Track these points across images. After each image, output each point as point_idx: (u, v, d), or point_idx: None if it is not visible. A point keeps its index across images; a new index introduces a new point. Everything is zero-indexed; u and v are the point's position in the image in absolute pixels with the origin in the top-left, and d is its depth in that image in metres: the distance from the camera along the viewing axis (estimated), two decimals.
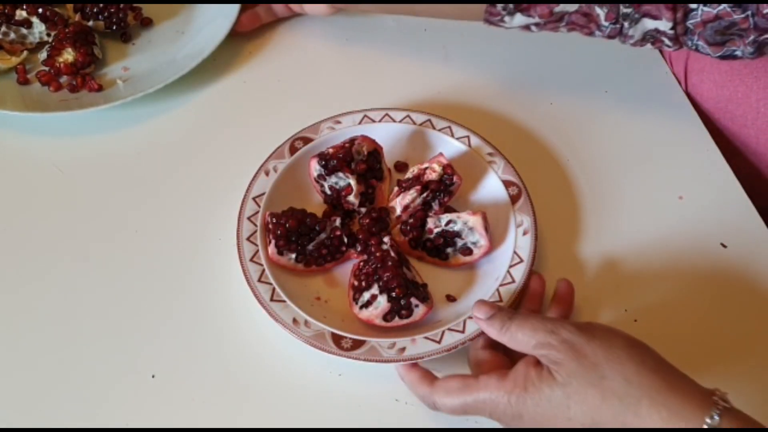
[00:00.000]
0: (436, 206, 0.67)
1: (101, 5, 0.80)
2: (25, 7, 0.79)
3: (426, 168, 0.67)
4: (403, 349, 0.59)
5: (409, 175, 0.69)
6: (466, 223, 0.64)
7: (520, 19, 0.67)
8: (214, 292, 0.66)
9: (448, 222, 0.65)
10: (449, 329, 0.60)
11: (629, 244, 0.69)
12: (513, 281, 0.63)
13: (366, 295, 0.62)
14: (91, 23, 0.81)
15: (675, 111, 0.80)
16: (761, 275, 0.67)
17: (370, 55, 0.84)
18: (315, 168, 0.68)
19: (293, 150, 0.71)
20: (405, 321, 0.61)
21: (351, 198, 0.67)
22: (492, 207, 0.68)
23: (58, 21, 0.80)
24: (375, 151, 0.68)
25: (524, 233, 0.65)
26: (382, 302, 0.60)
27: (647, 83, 0.82)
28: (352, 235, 0.66)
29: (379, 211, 0.68)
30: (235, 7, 0.82)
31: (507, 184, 0.69)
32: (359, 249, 0.66)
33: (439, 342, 0.59)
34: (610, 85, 0.82)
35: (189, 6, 0.87)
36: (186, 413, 0.59)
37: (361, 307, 0.62)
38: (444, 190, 0.67)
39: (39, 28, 0.80)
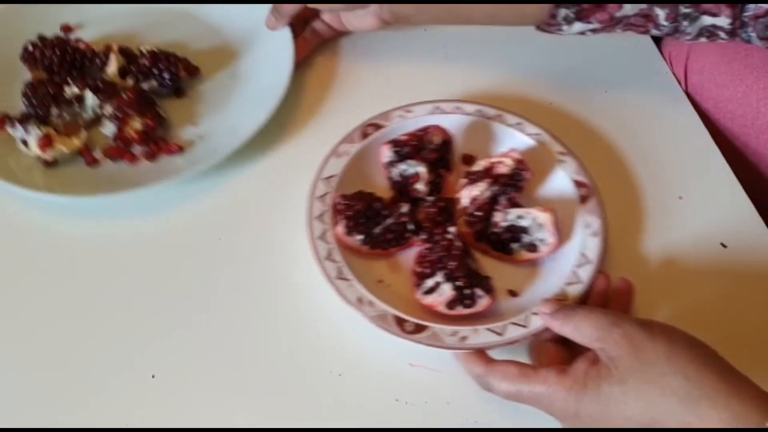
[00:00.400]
0: (503, 201, 0.67)
1: (148, 63, 0.75)
2: (72, 81, 0.73)
3: (497, 161, 0.67)
4: (465, 338, 0.59)
5: (478, 167, 0.69)
6: (536, 219, 0.64)
7: (578, 26, 0.68)
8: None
9: (517, 217, 0.65)
10: (512, 323, 0.60)
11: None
12: (579, 282, 0.62)
13: (429, 282, 0.62)
14: (145, 85, 0.76)
15: (675, 111, 0.80)
16: (761, 275, 0.67)
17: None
18: (386, 154, 0.68)
19: (364, 135, 0.72)
20: (468, 311, 0.61)
21: (419, 186, 0.68)
22: (558, 205, 0.68)
23: (110, 90, 0.73)
24: (447, 142, 0.69)
25: (593, 235, 0.65)
26: (447, 290, 0.60)
27: (647, 83, 0.82)
28: (417, 222, 0.67)
29: (446, 201, 0.68)
30: (288, 37, 0.78)
31: (578, 184, 0.68)
32: (423, 237, 0.66)
33: (501, 335, 0.59)
34: (610, 85, 0.81)
35: (229, 46, 0.83)
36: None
37: (424, 293, 0.62)
38: (513, 185, 0.67)
39: (91, 101, 0.73)
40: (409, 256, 0.67)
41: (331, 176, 0.68)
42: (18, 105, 0.73)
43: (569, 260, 0.64)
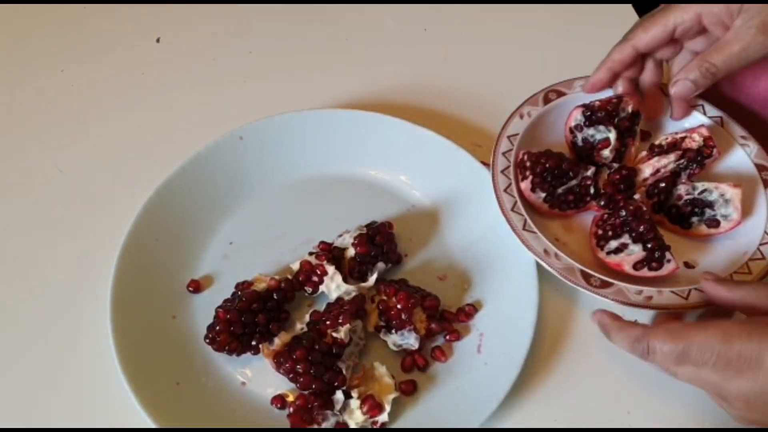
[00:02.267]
0: (684, 176, 0.69)
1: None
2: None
3: (685, 137, 0.69)
4: (650, 297, 0.61)
5: (662, 141, 0.70)
6: (724, 195, 0.65)
7: None
8: None
9: (703, 191, 0.66)
10: (696, 288, 0.61)
11: None
12: (764, 258, 0.63)
13: (614, 243, 0.64)
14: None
15: None
16: None
17: None
18: (576, 117, 0.70)
19: (546, 100, 0.74)
20: (653, 273, 0.62)
21: (606, 152, 0.69)
22: (742, 187, 0.68)
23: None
24: (638, 112, 0.70)
25: None
26: (636, 250, 0.62)
27: None
28: (597, 188, 0.69)
29: (629, 169, 0.69)
30: None
31: (760, 168, 0.69)
32: (602, 203, 0.68)
33: (686, 298, 0.61)
34: None
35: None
36: None
37: (608, 253, 0.64)
38: (699, 161, 0.68)
39: None
40: (583, 219, 0.69)
41: (514, 135, 0.71)
42: None
43: (752, 238, 0.65)
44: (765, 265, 0.63)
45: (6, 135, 0.80)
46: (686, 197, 0.67)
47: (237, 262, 0.67)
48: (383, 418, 0.58)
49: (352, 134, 0.74)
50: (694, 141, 0.68)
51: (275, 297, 0.63)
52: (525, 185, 0.67)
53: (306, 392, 0.59)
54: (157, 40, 0.88)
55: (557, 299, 0.66)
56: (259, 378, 0.62)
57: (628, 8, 0.89)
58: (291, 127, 0.74)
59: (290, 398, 0.60)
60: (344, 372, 0.59)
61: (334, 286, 0.63)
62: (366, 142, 0.74)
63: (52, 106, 0.82)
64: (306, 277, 0.64)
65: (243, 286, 0.64)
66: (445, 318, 0.64)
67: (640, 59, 0.69)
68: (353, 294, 0.63)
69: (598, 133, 0.70)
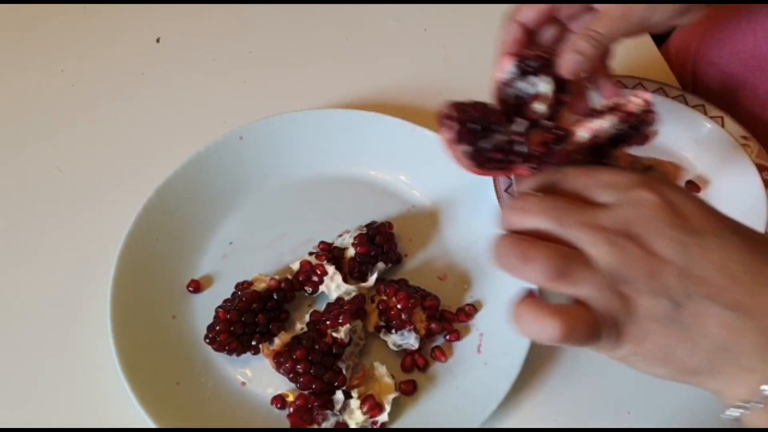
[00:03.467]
0: (627, 147, 0.60)
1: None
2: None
3: (623, 101, 0.60)
4: None
5: (602, 105, 0.61)
6: (667, 173, 0.64)
7: None
8: None
9: (646, 168, 0.64)
10: None
11: None
12: None
13: None
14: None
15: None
16: None
17: None
18: (507, 69, 0.60)
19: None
20: None
21: (539, 105, 0.60)
22: (742, 187, 0.69)
23: None
24: None
25: None
26: None
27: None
28: (528, 147, 0.59)
29: (563, 129, 0.60)
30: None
31: (761, 168, 0.69)
32: (534, 166, 0.58)
33: None
34: None
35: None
36: None
37: None
38: (638, 130, 0.59)
39: None
40: None
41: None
42: None
43: None
44: None
45: (5, 135, 0.80)
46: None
47: (237, 262, 0.67)
48: (383, 418, 0.58)
49: (352, 134, 0.74)
50: (635, 104, 0.59)
51: (275, 297, 0.63)
52: (448, 135, 0.56)
53: (306, 392, 0.59)
54: (157, 40, 0.88)
55: (557, 299, 0.65)
56: (259, 378, 0.62)
57: None
58: (291, 127, 0.73)
59: (290, 398, 0.60)
60: (344, 372, 0.59)
61: (334, 286, 0.63)
62: (366, 142, 0.74)
63: (51, 106, 0.82)
64: (306, 277, 0.64)
65: (243, 286, 0.64)
66: (445, 318, 0.64)
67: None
68: (353, 294, 0.63)
69: (531, 87, 0.61)
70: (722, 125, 0.72)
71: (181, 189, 0.69)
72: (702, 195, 0.71)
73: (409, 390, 0.60)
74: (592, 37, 0.58)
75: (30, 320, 0.66)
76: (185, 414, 0.58)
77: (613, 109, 0.59)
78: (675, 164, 0.62)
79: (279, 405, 0.60)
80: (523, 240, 0.39)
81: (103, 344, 0.60)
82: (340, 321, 0.60)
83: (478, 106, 0.58)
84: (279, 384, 0.61)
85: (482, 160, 0.57)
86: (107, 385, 0.61)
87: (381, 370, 0.61)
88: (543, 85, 0.60)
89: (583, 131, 0.59)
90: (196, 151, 0.70)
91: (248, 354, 0.62)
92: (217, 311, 0.62)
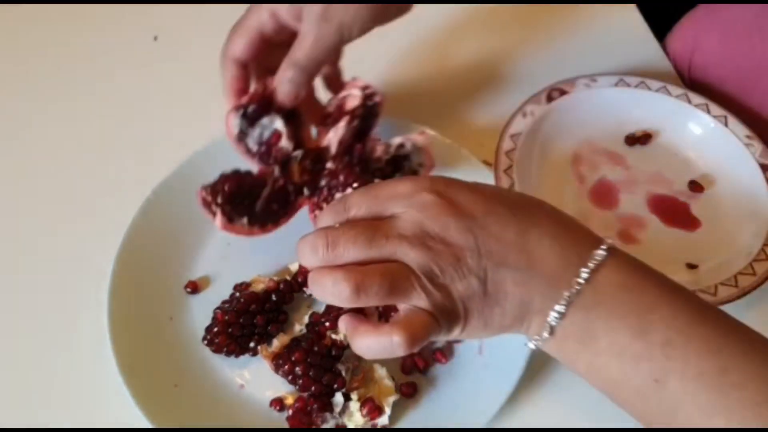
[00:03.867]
0: (374, 134, 0.65)
1: None
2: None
3: (346, 95, 0.64)
4: None
5: (330, 108, 0.65)
6: (415, 143, 0.65)
7: None
8: None
9: (399, 146, 0.64)
10: (699, 290, 0.61)
11: None
12: (767, 259, 0.63)
13: None
14: None
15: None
16: None
17: None
18: (234, 123, 0.61)
19: (549, 98, 0.73)
20: None
21: (284, 143, 0.62)
22: (746, 187, 0.68)
23: None
24: None
25: None
26: None
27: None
28: (295, 183, 0.63)
29: (314, 150, 0.63)
30: None
31: (764, 167, 0.69)
32: (308, 193, 0.63)
33: None
34: None
35: None
36: None
37: None
38: (370, 113, 0.64)
39: None
40: (592, 218, 0.68)
41: (517, 133, 0.70)
42: None
43: (756, 238, 0.65)
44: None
45: (4, 134, 0.79)
46: (385, 157, 0.65)
47: (235, 263, 0.66)
48: (383, 420, 0.58)
49: None
50: (355, 96, 0.64)
51: (274, 298, 0.62)
52: (220, 221, 0.60)
53: (305, 394, 0.58)
54: (155, 39, 0.88)
55: None
56: (258, 380, 0.61)
57: (632, 8, 0.88)
58: None
59: (289, 400, 0.60)
60: (344, 374, 0.58)
61: None
62: None
63: (50, 105, 0.81)
64: (305, 278, 0.64)
65: (241, 287, 0.64)
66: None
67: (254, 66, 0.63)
68: None
69: (266, 129, 0.62)
70: (725, 124, 0.71)
71: (178, 189, 0.68)
72: (705, 195, 0.71)
73: (409, 392, 0.60)
74: (296, 65, 0.60)
75: (28, 321, 0.66)
76: (184, 416, 0.58)
77: (341, 111, 0.62)
78: (422, 133, 0.65)
79: (278, 407, 0.59)
80: (352, 270, 0.43)
81: (102, 345, 0.60)
82: None
83: (226, 179, 0.60)
84: (278, 386, 0.60)
85: (264, 220, 0.62)
86: (106, 386, 0.60)
87: (381, 372, 0.60)
88: (276, 123, 0.62)
89: (331, 144, 0.63)
90: (193, 152, 0.70)
91: (247, 356, 0.62)
92: (215, 313, 0.62)
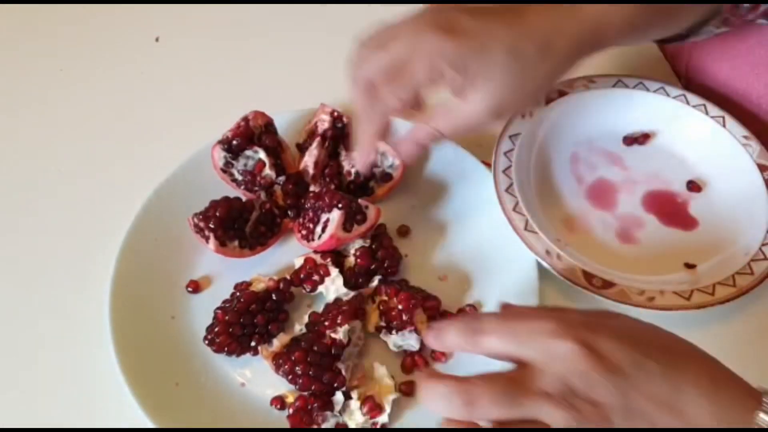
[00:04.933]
0: (343, 151, 0.71)
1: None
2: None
3: (317, 120, 0.71)
4: (652, 299, 0.60)
5: (302, 136, 0.73)
6: (378, 150, 0.68)
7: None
8: None
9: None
10: (698, 290, 0.61)
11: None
12: (766, 258, 0.63)
13: (319, 228, 0.65)
14: None
15: None
16: None
17: None
18: (219, 157, 0.68)
19: (548, 99, 0.73)
20: (363, 226, 0.64)
21: (267, 171, 0.68)
22: (743, 187, 0.69)
23: None
24: (269, 123, 0.70)
25: None
26: (335, 216, 0.63)
27: None
28: (280, 207, 0.68)
29: (295, 175, 0.69)
30: None
31: (762, 168, 0.69)
32: (292, 215, 0.68)
33: (688, 299, 0.61)
34: None
35: None
36: None
37: (319, 238, 0.64)
38: (341, 135, 0.71)
39: None
40: (586, 218, 0.69)
41: (516, 134, 0.71)
42: None
43: (754, 238, 0.65)
44: (767, 265, 0.63)
45: (5, 135, 0.79)
46: (353, 170, 0.69)
47: (236, 263, 0.66)
48: (383, 419, 0.58)
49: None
50: (324, 120, 0.71)
51: (274, 298, 0.63)
52: (213, 245, 0.63)
53: (305, 393, 0.59)
54: (156, 39, 0.88)
55: (557, 299, 0.65)
56: (259, 379, 0.61)
57: None
58: (290, 127, 0.73)
59: (290, 399, 0.60)
60: (344, 373, 0.59)
61: (333, 288, 0.63)
62: None
63: (51, 105, 0.82)
64: (307, 275, 0.64)
65: (242, 286, 0.64)
66: (445, 318, 0.64)
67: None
68: (351, 294, 0.63)
69: (249, 160, 0.69)
70: (723, 125, 0.72)
71: (179, 189, 0.69)
72: (703, 195, 0.71)
73: (409, 391, 0.60)
74: (434, 135, 0.63)
75: (29, 320, 0.66)
76: (185, 415, 0.58)
77: (314, 135, 0.71)
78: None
79: (278, 406, 0.60)
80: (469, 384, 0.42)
81: (103, 345, 0.60)
82: (339, 322, 0.60)
83: (217, 205, 0.64)
84: (278, 385, 0.60)
85: (254, 242, 0.66)
86: (107, 385, 0.60)
87: (381, 370, 0.60)
88: (260, 154, 0.68)
89: (309, 167, 0.70)
90: (194, 151, 0.70)
91: (248, 355, 0.62)
92: (216, 312, 0.62)
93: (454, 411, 0.42)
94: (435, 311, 0.63)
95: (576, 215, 0.70)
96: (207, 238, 0.63)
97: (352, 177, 0.70)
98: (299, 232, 0.67)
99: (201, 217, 0.64)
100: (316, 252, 0.65)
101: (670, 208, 0.70)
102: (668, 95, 0.74)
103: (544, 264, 0.62)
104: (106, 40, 0.88)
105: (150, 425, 0.56)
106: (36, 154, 0.78)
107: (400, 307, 0.61)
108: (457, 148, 0.71)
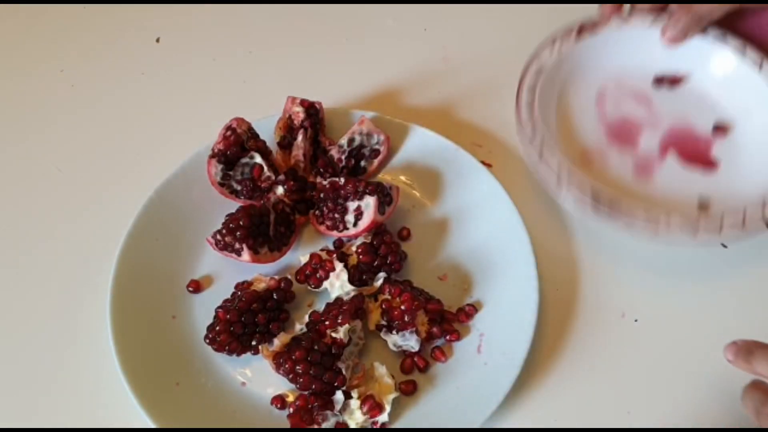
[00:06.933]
0: (323, 139, 0.72)
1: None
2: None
3: (289, 115, 0.72)
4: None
5: (279, 132, 0.73)
6: (361, 132, 0.70)
7: None
8: None
9: (350, 140, 0.70)
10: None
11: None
12: None
13: (350, 217, 0.66)
14: None
15: None
16: (761, 275, 0.68)
17: None
18: (216, 171, 0.68)
19: (579, 35, 0.74)
20: (390, 207, 0.67)
21: (266, 173, 0.69)
22: None
23: None
24: (250, 127, 0.70)
25: None
26: (370, 203, 0.64)
27: None
28: (288, 205, 0.69)
29: (289, 171, 0.70)
30: None
31: None
32: (315, 210, 0.69)
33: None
34: None
35: None
36: None
37: (354, 225, 0.66)
38: (315, 119, 0.72)
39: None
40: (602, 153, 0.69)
41: (540, 69, 0.72)
42: None
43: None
44: None
45: (5, 135, 0.80)
46: (343, 156, 0.71)
47: (236, 262, 0.67)
48: (383, 418, 0.58)
49: None
50: (298, 112, 0.72)
51: (275, 297, 0.63)
52: (246, 257, 0.64)
53: (306, 392, 0.59)
54: (157, 40, 0.88)
55: (557, 299, 0.66)
56: (259, 378, 0.62)
57: None
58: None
59: (290, 398, 0.60)
60: (344, 372, 0.59)
61: (338, 284, 0.63)
62: None
63: (51, 105, 0.82)
64: (312, 271, 0.64)
65: (243, 286, 0.64)
66: (445, 318, 0.64)
67: None
68: (352, 294, 0.63)
69: (246, 167, 0.69)
70: (760, 67, 0.70)
71: (180, 189, 0.69)
72: (728, 139, 0.70)
73: (409, 390, 0.60)
74: (694, 15, 0.68)
75: (30, 320, 0.66)
76: (185, 414, 0.58)
77: (290, 128, 0.71)
78: (362, 121, 0.71)
79: (279, 405, 0.60)
80: None
81: (103, 344, 0.60)
82: (339, 321, 0.60)
83: (239, 216, 0.64)
84: (279, 384, 0.61)
85: (283, 241, 0.67)
86: (107, 385, 0.61)
87: (381, 370, 0.61)
88: (256, 158, 0.69)
89: (298, 160, 0.70)
90: (195, 151, 0.70)
91: (248, 354, 0.62)
92: (216, 311, 0.62)
93: None
94: (437, 314, 0.63)
95: (594, 150, 0.69)
96: (238, 251, 0.63)
97: (344, 164, 0.71)
98: (322, 224, 0.68)
99: (224, 232, 0.63)
100: (321, 249, 0.66)
101: (691, 149, 0.69)
102: (707, 33, 0.72)
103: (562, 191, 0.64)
104: (108, 41, 0.88)
105: (150, 425, 0.57)
106: (36, 154, 0.78)
107: (402, 307, 0.61)
108: (457, 148, 0.72)
